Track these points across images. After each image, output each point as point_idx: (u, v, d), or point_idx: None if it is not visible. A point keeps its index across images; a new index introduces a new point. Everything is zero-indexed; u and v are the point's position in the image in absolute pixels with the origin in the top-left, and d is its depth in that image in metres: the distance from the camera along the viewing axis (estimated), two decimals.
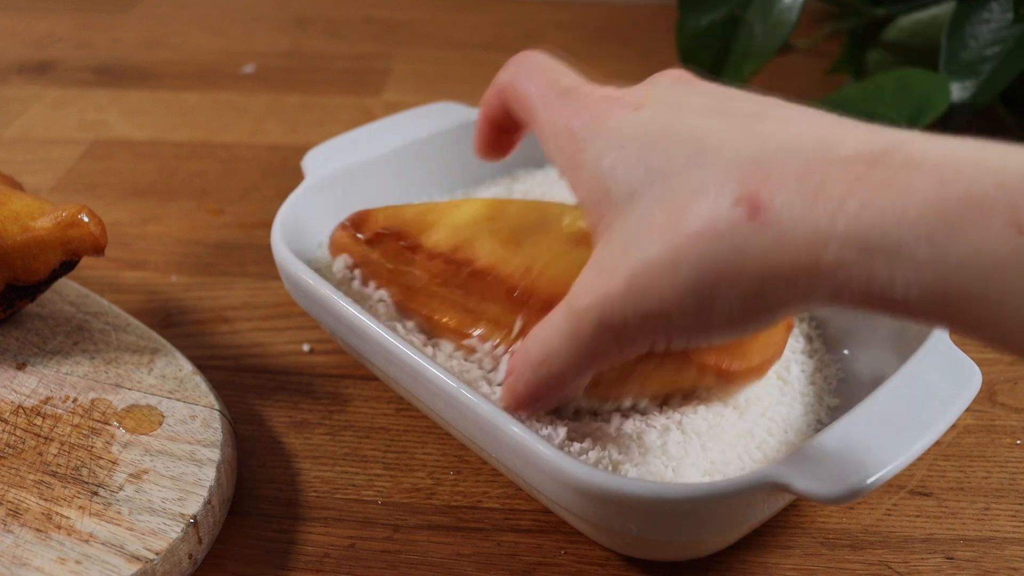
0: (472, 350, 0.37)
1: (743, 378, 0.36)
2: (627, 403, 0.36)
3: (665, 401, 0.37)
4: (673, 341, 0.28)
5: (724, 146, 0.26)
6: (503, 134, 0.36)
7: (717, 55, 0.63)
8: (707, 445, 0.36)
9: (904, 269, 0.23)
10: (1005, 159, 0.23)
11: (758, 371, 0.36)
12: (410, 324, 0.39)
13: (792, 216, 0.24)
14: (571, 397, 0.33)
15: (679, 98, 0.29)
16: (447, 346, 0.38)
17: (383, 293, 0.39)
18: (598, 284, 0.28)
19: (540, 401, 0.32)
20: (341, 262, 0.41)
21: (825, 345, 0.42)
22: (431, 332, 0.38)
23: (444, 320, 0.37)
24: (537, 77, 0.33)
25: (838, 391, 0.40)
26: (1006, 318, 0.22)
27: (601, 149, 0.29)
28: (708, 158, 0.26)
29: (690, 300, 0.26)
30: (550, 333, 0.30)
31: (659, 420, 0.37)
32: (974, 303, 0.22)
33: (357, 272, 0.40)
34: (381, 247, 0.39)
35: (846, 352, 0.42)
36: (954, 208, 0.22)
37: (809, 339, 0.42)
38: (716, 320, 0.26)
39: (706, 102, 0.29)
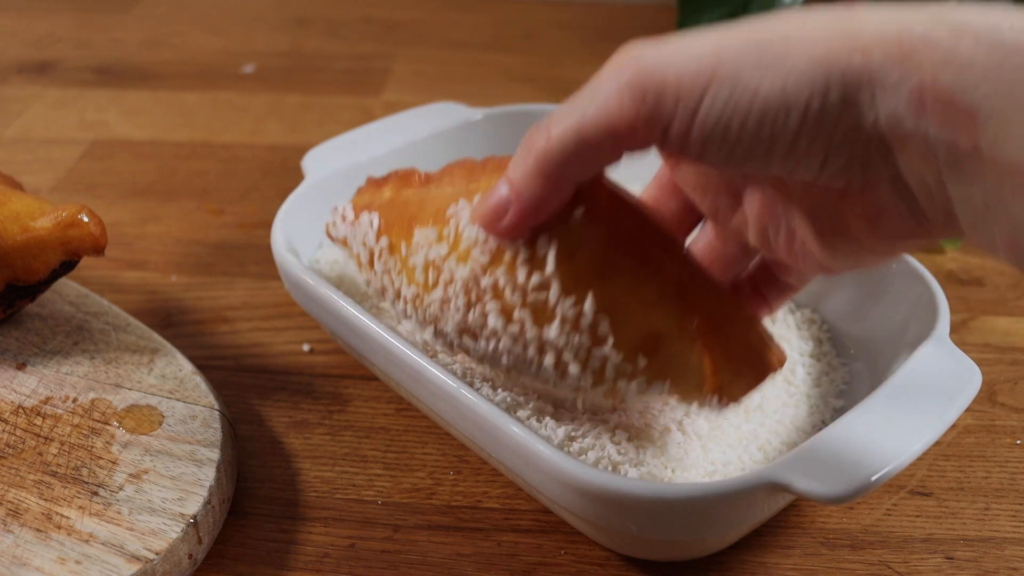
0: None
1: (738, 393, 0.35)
2: (629, 404, 0.36)
3: (666, 401, 0.37)
4: (713, 111, 0.25)
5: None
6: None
7: None
8: (707, 446, 0.36)
9: (986, 54, 0.22)
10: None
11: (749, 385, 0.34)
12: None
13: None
14: (546, 211, 0.30)
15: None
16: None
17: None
18: (652, 42, 0.26)
19: (514, 207, 0.30)
20: (365, 219, 0.38)
21: (835, 348, 0.42)
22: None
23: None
24: None
25: (845, 393, 0.40)
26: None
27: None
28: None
29: (751, 54, 0.24)
30: (564, 108, 0.28)
31: (659, 420, 0.37)
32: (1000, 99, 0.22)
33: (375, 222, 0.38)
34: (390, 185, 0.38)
35: (847, 352, 0.42)
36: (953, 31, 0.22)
37: (819, 342, 0.42)
38: (769, 86, 0.24)
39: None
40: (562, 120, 0.27)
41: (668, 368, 0.32)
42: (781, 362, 0.33)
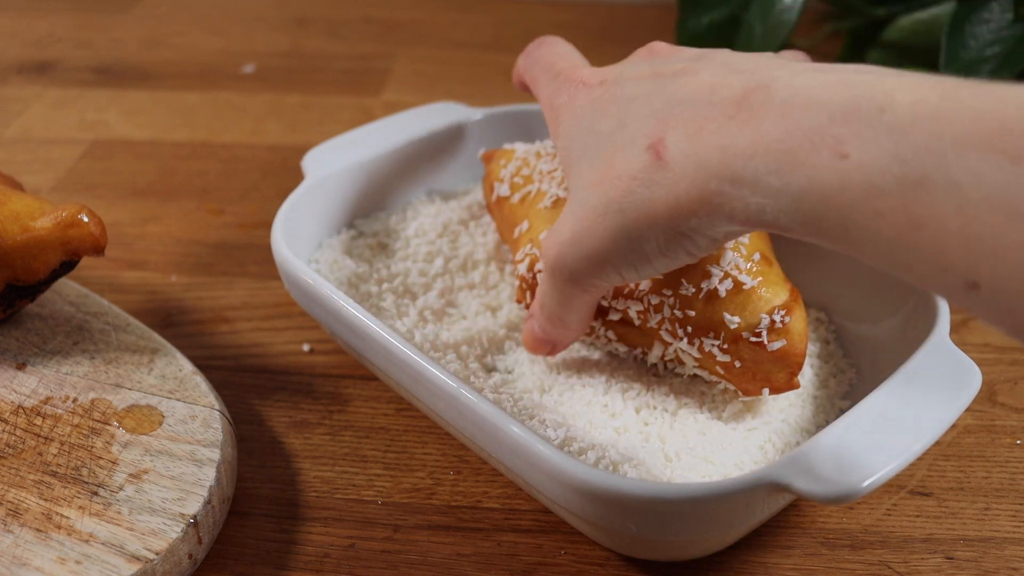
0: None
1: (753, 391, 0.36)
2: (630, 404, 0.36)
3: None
4: (624, 276, 0.32)
5: (642, 106, 0.31)
6: None
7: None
8: (708, 446, 0.36)
9: (764, 198, 0.26)
10: (838, 90, 0.25)
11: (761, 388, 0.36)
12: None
13: (683, 155, 0.28)
14: (580, 334, 0.37)
15: (630, 70, 0.33)
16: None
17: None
18: (555, 237, 0.33)
19: (550, 341, 0.37)
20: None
21: (842, 349, 0.42)
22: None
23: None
24: (543, 62, 0.39)
25: (850, 395, 0.40)
26: (854, 239, 0.25)
27: (566, 123, 0.35)
28: (630, 118, 0.31)
29: (622, 240, 0.31)
30: (540, 285, 0.36)
31: (660, 420, 0.37)
32: (825, 226, 0.25)
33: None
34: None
35: (857, 352, 0.42)
36: (793, 142, 0.25)
37: (826, 342, 0.42)
38: (649, 253, 0.31)
39: (646, 69, 0.32)
40: (546, 304, 0.36)
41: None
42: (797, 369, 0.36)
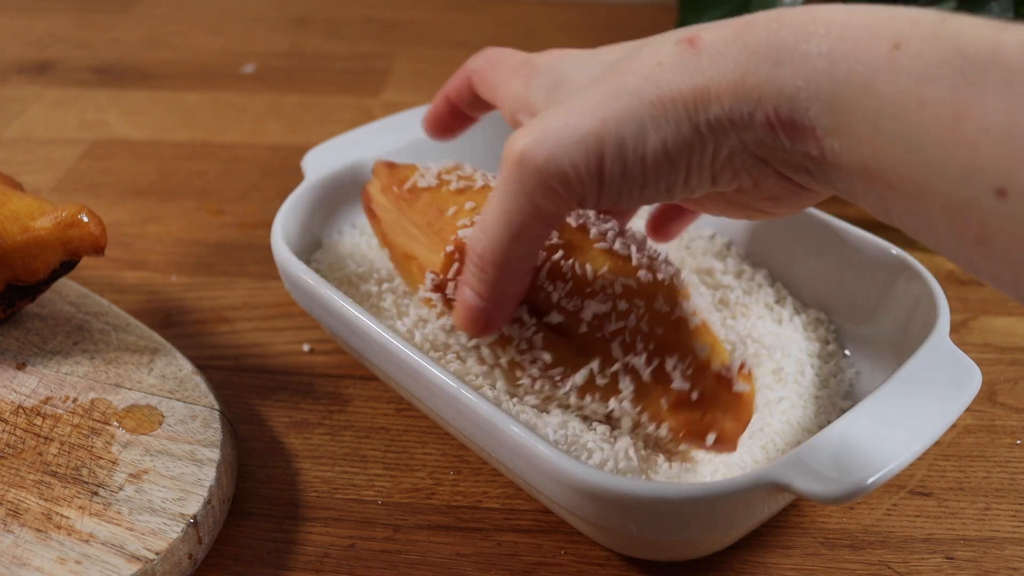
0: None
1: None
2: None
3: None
4: (602, 182, 0.29)
5: (655, 42, 0.30)
6: (457, 116, 0.41)
7: None
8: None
9: (805, 81, 0.26)
10: (900, 8, 0.25)
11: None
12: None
13: (724, 43, 0.28)
14: (517, 299, 0.34)
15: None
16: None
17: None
18: (531, 126, 0.29)
19: (484, 309, 0.33)
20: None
21: (843, 349, 0.42)
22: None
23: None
24: (501, 63, 0.37)
25: (851, 394, 0.40)
26: (884, 135, 0.24)
27: (554, 58, 0.34)
28: (646, 42, 0.30)
29: (627, 123, 0.28)
30: (487, 206, 0.31)
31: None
32: (857, 118, 0.25)
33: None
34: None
35: (847, 353, 0.42)
36: (850, 32, 0.25)
37: (826, 342, 0.42)
38: (649, 149, 0.28)
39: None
40: (491, 226, 0.31)
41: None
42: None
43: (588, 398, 0.34)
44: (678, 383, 0.33)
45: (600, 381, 0.34)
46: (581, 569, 0.35)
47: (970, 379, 0.33)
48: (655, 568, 0.35)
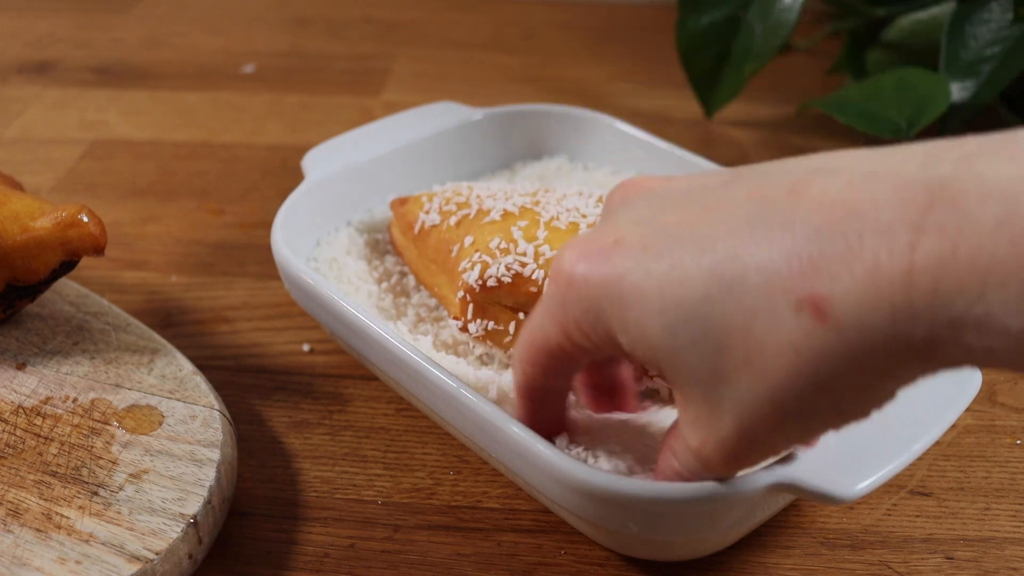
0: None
1: None
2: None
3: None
4: (799, 442, 0.27)
5: (751, 254, 0.24)
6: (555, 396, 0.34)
7: (717, 55, 0.63)
8: None
9: (996, 338, 0.21)
10: None
11: None
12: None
13: (860, 305, 0.22)
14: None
15: (661, 216, 0.27)
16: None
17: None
18: (707, 434, 0.27)
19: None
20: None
21: None
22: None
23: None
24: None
25: None
26: None
27: (627, 315, 0.26)
28: (743, 277, 0.24)
29: (793, 422, 0.25)
30: (685, 465, 0.29)
31: (659, 420, 0.37)
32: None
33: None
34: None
35: None
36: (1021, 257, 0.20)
37: None
38: (825, 419, 0.25)
39: (688, 206, 0.26)
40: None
41: None
42: None
43: None
44: None
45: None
46: (581, 569, 0.35)
47: (970, 379, 0.33)
48: (655, 568, 0.35)
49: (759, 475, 0.29)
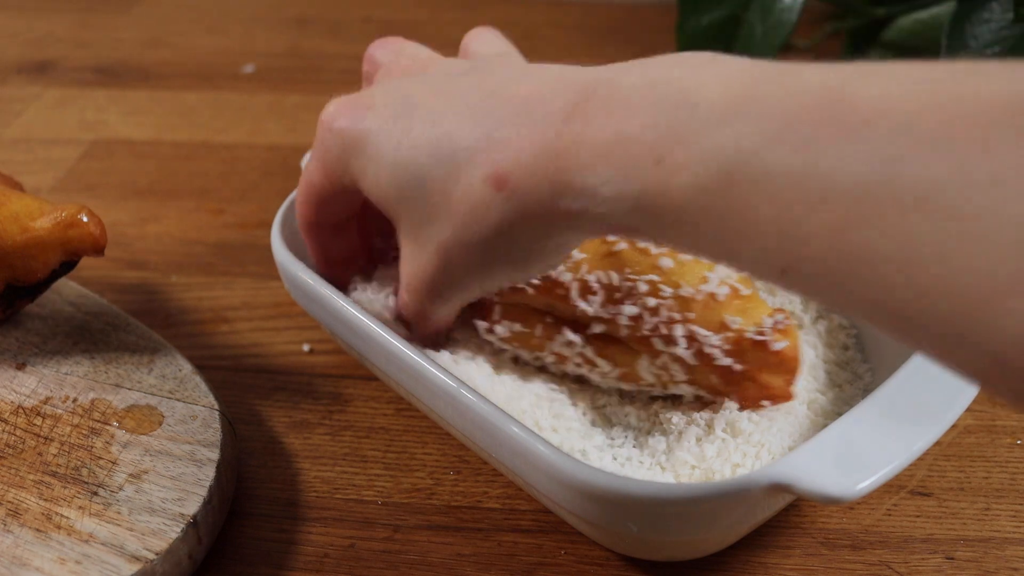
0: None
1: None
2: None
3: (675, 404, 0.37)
4: (488, 289, 0.34)
5: (462, 134, 0.30)
6: (340, 232, 0.40)
7: None
8: (707, 445, 0.36)
9: (607, 207, 0.27)
10: (654, 89, 0.26)
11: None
12: None
13: (528, 179, 0.28)
14: (447, 323, 0.38)
15: (408, 93, 0.33)
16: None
17: None
18: (414, 267, 0.34)
19: (421, 325, 0.37)
20: None
21: (862, 355, 0.41)
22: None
23: None
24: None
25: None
26: (687, 235, 0.26)
27: (367, 166, 0.33)
28: (452, 151, 0.31)
29: (477, 266, 0.32)
30: (403, 302, 0.36)
31: (660, 420, 0.37)
32: (666, 223, 0.26)
33: None
34: None
35: (873, 355, 0.41)
36: (619, 149, 0.26)
37: (845, 348, 0.41)
38: (503, 270, 0.32)
39: (429, 89, 0.33)
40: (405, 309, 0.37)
41: None
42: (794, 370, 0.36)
43: (656, 388, 0.37)
44: (720, 360, 0.35)
45: (655, 371, 0.36)
46: (581, 569, 0.35)
47: None
48: (655, 568, 0.35)
49: (758, 475, 0.29)
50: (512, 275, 0.33)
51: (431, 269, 0.33)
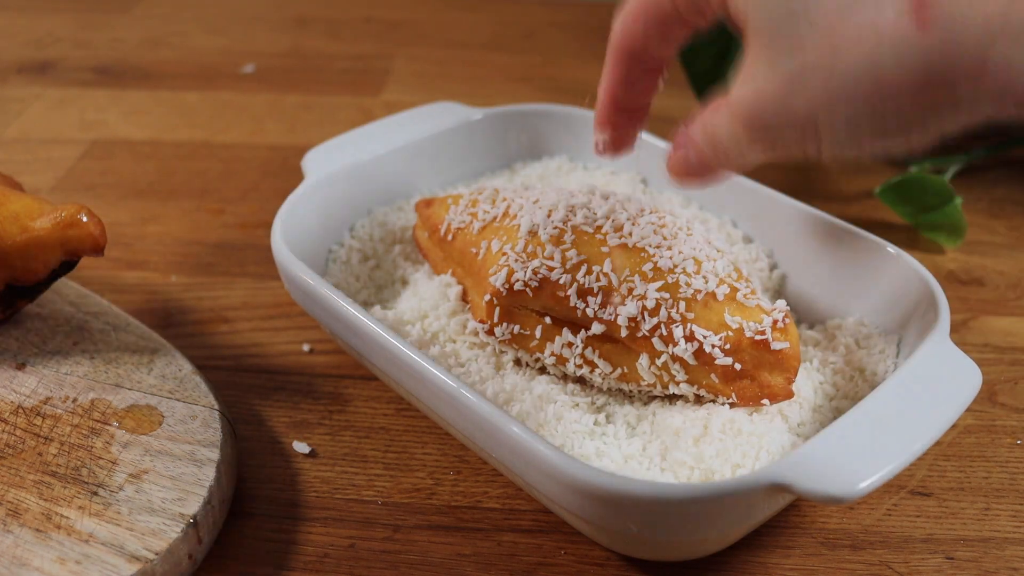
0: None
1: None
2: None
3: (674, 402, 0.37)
4: (823, 149, 0.28)
5: None
6: (645, 75, 0.35)
7: (717, 55, 0.63)
8: (706, 445, 0.36)
9: None
10: None
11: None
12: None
13: (962, 14, 0.24)
14: (740, 169, 0.33)
15: None
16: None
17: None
18: (755, 81, 0.28)
19: (709, 171, 0.32)
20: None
21: (862, 354, 0.41)
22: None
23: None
24: None
25: (852, 393, 0.39)
26: None
27: None
28: None
29: (841, 107, 0.26)
30: (714, 122, 0.30)
31: (660, 419, 0.37)
32: None
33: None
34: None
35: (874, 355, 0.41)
36: None
37: (845, 347, 0.41)
38: (867, 130, 0.26)
39: None
40: (705, 150, 0.31)
41: None
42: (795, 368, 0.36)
43: (656, 388, 0.37)
44: (720, 359, 0.35)
45: (655, 371, 0.36)
46: (581, 569, 0.35)
47: (970, 379, 0.33)
48: (655, 568, 0.35)
49: (758, 475, 0.29)
50: (868, 137, 0.27)
51: (775, 91, 0.27)
